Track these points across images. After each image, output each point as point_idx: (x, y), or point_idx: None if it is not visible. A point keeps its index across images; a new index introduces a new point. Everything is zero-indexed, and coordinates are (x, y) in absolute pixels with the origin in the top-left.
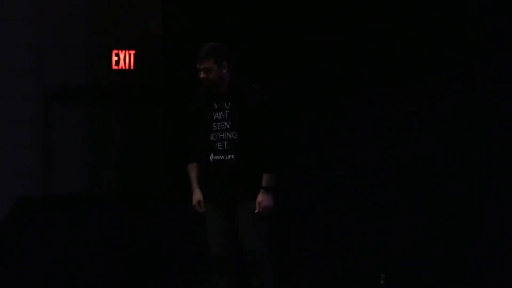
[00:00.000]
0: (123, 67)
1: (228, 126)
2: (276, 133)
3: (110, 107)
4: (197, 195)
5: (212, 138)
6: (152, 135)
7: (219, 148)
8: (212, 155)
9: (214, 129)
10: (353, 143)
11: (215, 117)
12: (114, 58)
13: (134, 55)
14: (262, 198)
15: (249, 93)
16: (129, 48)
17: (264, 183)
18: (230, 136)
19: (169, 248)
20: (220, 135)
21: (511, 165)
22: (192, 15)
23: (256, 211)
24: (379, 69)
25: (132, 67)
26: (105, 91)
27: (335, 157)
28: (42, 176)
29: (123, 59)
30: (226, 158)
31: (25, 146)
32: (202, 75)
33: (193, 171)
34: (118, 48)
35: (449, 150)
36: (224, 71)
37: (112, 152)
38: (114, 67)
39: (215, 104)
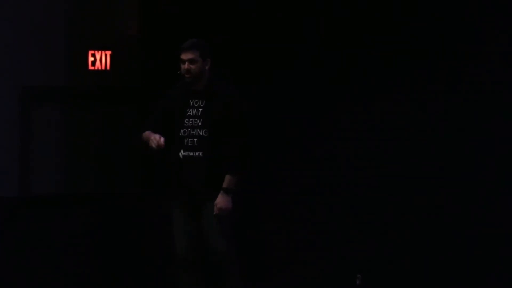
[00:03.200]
0: (100, 68)
1: (199, 124)
2: (245, 136)
3: (87, 107)
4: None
5: (182, 133)
6: (129, 135)
7: (189, 144)
8: (182, 150)
9: (185, 125)
10: (332, 142)
11: (188, 113)
12: (91, 59)
13: (111, 55)
14: (219, 200)
15: (225, 93)
16: (105, 49)
17: (224, 184)
18: (201, 134)
19: (148, 246)
20: (191, 132)
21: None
22: (169, 15)
23: (214, 213)
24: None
25: (108, 67)
26: (82, 91)
27: (313, 157)
28: (18, 176)
29: (99, 59)
30: (195, 154)
31: (2, 146)
32: (186, 66)
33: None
34: (94, 49)
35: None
36: (207, 67)
37: (89, 152)
38: (91, 67)
39: (190, 101)
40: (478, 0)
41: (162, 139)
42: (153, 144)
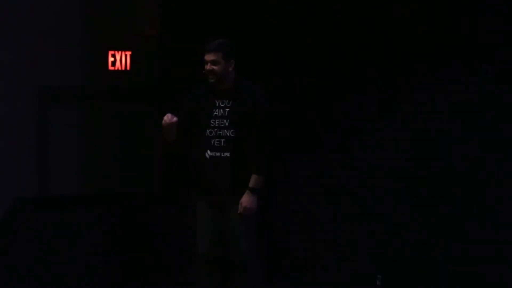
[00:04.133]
0: (119, 68)
1: (226, 124)
2: (271, 137)
3: (106, 107)
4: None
5: (208, 133)
6: (148, 135)
7: (215, 144)
8: (208, 151)
9: (212, 125)
10: (350, 144)
11: (214, 113)
12: (110, 59)
13: (131, 55)
14: (245, 199)
15: (251, 93)
16: (125, 49)
17: (250, 184)
18: (228, 134)
19: (165, 247)
20: (218, 132)
21: None
22: (189, 16)
23: (239, 212)
24: (384, 68)
25: (128, 67)
26: (101, 91)
27: (333, 158)
28: (37, 177)
29: (119, 59)
30: (222, 155)
31: (20, 146)
32: (208, 67)
33: None
34: (114, 49)
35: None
36: (230, 68)
37: (107, 153)
38: (110, 67)
39: (216, 101)
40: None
41: (175, 118)
42: (165, 121)
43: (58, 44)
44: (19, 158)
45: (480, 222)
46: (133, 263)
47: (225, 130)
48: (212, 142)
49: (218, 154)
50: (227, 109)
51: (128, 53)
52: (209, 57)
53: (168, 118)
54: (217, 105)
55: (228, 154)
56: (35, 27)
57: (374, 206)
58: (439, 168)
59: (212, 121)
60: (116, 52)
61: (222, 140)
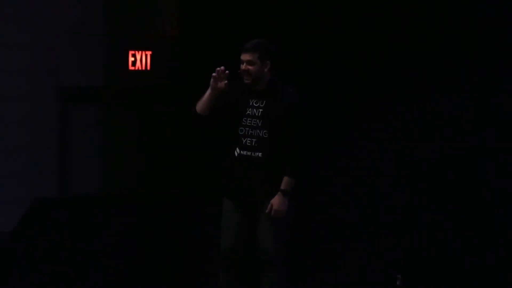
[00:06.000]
0: (140, 68)
1: (259, 124)
2: (303, 139)
3: (127, 107)
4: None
5: (240, 132)
6: (169, 135)
7: (247, 144)
8: (238, 149)
9: (243, 123)
10: (364, 143)
11: (247, 112)
12: (131, 59)
13: (151, 55)
14: (276, 201)
15: (286, 95)
16: (145, 49)
17: (282, 186)
18: (260, 134)
19: (187, 246)
20: (250, 131)
21: None
22: (209, 16)
23: (267, 211)
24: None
25: (148, 67)
26: (121, 91)
27: (353, 158)
28: (59, 177)
29: (140, 59)
30: (253, 155)
31: (42, 146)
32: (244, 67)
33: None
34: (134, 49)
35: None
36: (266, 69)
37: (128, 152)
38: (131, 67)
39: (250, 100)
40: None
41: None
42: (215, 74)
43: (79, 44)
44: (40, 158)
45: (496, 221)
46: (154, 263)
47: (258, 130)
48: (244, 141)
49: (249, 153)
50: (260, 109)
51: (149, 53)
52: (245, 56)
53: (221, 68)
54: (250, 104)
55: (259, 154)
56: (56, 28)
57: (394, 205)
58: (462, 167)
59: (244, 119)
60: (137, 52)
61: (254, 140)
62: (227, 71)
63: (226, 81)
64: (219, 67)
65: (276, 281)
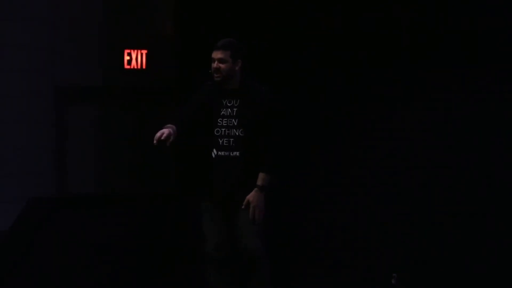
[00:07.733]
0: (135, 67)
1: (235, 123)
2: (280, 136)
3: (123, 106)
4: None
5: (215, 133)
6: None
7: (224, 144)
8: (215, 150)
9: (219, 124)
10: (362, 143)
11: (222, 113)
12: (126, 58)
13: (146, 54)
14: (252, 197)
15: (259, 93)
16: (141, 48)
17: (258, 182)
18: (237, 134)
19: (182, 246)
20: (226, 131)
21: None
22: (204, 15)
23: (243, 207)
24: (384, 68)
25: (144, 66)
26: (117, 90)
27: (344, 157)
28: (55, 176)
29: (135, 58)
30: (231, 154)
31: (38, 145)
32: (215, 65)
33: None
34: (130, 48)
35: (461, 152)
36: (237, 68)
37: (124, 152)
38: (126, 66)
39: (223, 101)
40: None
41: (164, 135)
42: (156, 138)
43: (76, 44)
44: (36, 157)
45: (494, 220)
46: (151, 263)
47: (234, 130)
48: (221, 141)
49: (226, 153)
50: (235, 108)
51: (144, 52)
52: (216, 54)
53: (159, 135)
54: (224, 104)
55: (237, 153)
56: (54, 27)
57: (390, 205)
58: (459, 166)
59: (220, 120)
60: (132, 50)
61: (231, 139)
62: (163, 138)
63: (170, 140)
64: (156, 138)
65: (262, 279)
